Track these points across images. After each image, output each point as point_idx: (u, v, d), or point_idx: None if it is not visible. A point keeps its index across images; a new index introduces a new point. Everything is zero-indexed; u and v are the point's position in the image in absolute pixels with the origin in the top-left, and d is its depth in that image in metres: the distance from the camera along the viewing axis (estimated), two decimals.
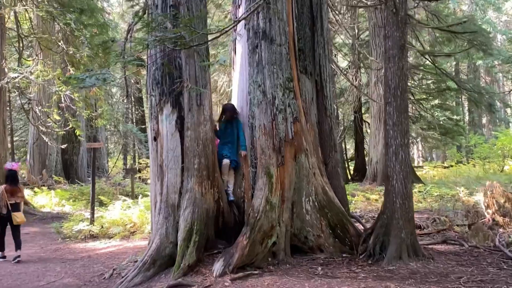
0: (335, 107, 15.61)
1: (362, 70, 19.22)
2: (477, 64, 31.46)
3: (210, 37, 5.82)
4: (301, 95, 6.69)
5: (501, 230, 7.24)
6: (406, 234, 5.64)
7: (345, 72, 17.05)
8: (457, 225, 8.36)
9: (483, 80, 35.69)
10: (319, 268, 5.49)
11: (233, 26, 5.72)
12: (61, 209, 13.14)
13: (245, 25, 6.33)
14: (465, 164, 24.92)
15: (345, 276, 5.13)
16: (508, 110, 38.99)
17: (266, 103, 6.11)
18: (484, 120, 36.01)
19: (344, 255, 6.11)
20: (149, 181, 16.17)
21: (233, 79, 6.98)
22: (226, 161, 6.21)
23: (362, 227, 7.27)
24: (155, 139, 5.90)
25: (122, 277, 5.56)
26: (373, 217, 10.11)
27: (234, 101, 6.65)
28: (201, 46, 5.08)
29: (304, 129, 6.42)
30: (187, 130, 5.74)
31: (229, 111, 6.46)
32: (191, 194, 5.62)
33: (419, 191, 14.07)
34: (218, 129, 6.50)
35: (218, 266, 5.19)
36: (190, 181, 5.67)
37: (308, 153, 6.33)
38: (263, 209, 5.75)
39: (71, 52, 12.81)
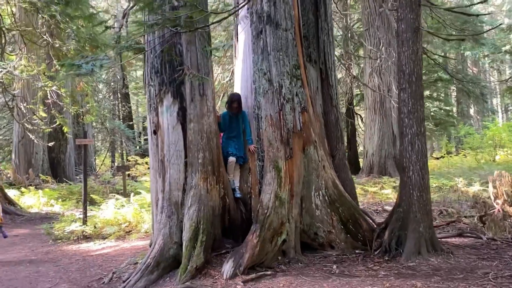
0: None
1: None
2: (465, 54, 31.57)
3: (212, 22, 5.38)
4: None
5: None
6: (424, 228, 5.35)
7: (339, 63, 16.73)
8: (465, 217, 8.14)
9: (470, 71, 35.84)
10: (334, 266, 5.16)
11: (239, 9, 5.32)
12: (50, 209, 12.61)
13: (248, 9, 5.94)
14: (456, 155, 24.94)
15: (364, 274, 4.81)
16: (494, 100, 39.31)
17: (272, 92, 5.74)
18: (472, 111, 36.18)
19: (357, 251, 5.80)
20: (139, 179, 15.81)
21: (235, 68, 6.59)
22: (232, 159, 5.87)
23: (371, 222, 6.96)
24: (155, 132, 5.49)
25: (123, 281, 5.15)
26: (376, 210, 9.86)
27: (237, 91, 6.27)
28: (205, 27, 4.67)
29: (312, 119, 6.08)
30: (190, 122, 5.34)
31: (238, 102, 6.04)
32: (196, 191, 5.23)
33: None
34: (220, 121, 6.10)
35: (228, 268, 4.83)
36: (194, 177, 5.28)
37: (316, 145, 5.99)
38: (273, 205, 5.39)
39: (57, 45, 12.24)
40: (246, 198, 5.85)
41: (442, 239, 6.20)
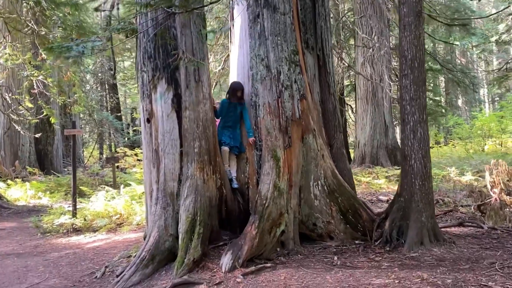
0: None
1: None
2: (453, 45, 31.65)
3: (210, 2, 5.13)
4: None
5: None
6: (427, 217, 5.22)
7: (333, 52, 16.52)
8: (462, 206, 8.08)
9: (459, 62, 36.00)
10: (335, 258, 5.03)
11: None
12: (38, 201, 12.29)
13: None
14: (445, 145, 25.02)
15: (367, 265, 4.67)
16: (481, 91, 39.56)
17: (270, 78, 5.54)
18: (460, 102, 36.38)
19: (357, 242, 5.67)
20: (129, 170, 15.52)
21: (231, 54, 6.35)
22: (225, 149, 5.69)
23: (371, 212, 6.83)
24: (148, 120, 5.26)
25: (117, 275, 4.94)
26: (371, 200, 9.76)
27: (233, 78, 6.05)
28: (202, 8, 4.43)
29: (311, 107, 5.90)
30: (185, 110, 5.11)
31: (242, 91, 5.81)
32: (192, 181, 5.02)
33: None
34: (218, 108, 5.88)
35: (226, 260, 4.65)
36: (190, 166, 5.07)
37: (315, 133, 5.82)
38: (271, 196, 5.22)
39: (42, 33, 11.84)
40: (243, 189, 5.67)
41: (443, 229, 6.09)
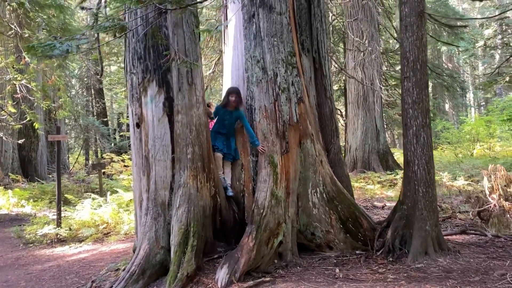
0: None
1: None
2: (441, 50, 31.92)
3: None
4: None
5: None
6: (431, 226, 5.00)
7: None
8: (460, 212, 7.89)
9: (445, 66, 36.27)
10: (337, 270, 4.76)
11: None
12: (21, 210, 11.81)
13: None
14: (434, 150, 24.95)
15: (372, 278, 4.41)
16: (467, 95, 39.89)
17: (266, 81, 5.28)
18: (447, 106, 36.63)
19: (357, 252, 5.41)
20: (115, 177, 15.11)
21: (224, 56, 6.08)
22: (218, 155, 5.42)
23: (372, 220, 6.59)
24: (138, 125, 4.94)
25: None
26: (366, 207, 9.54)
27: (227, 80, 5.77)
28: (196, 4, 4.16)
29: (308, 110, 5.65)
30: (178, 114, 4.81)
31: (237, 94, 5.46)
32: (185, 190, 4.72)
33: (402, 178, 13.68)
34: (212, 111, 5.59)
35: (222, 275, 4.34)
36: (183, 174, 4.77)
37: (313, 138, 5.57)
38: (269, 204, 4.95)
39: (26, 35, 11.45)
40: (238, 197, 5.39)
41: (446, 237, 5.89)
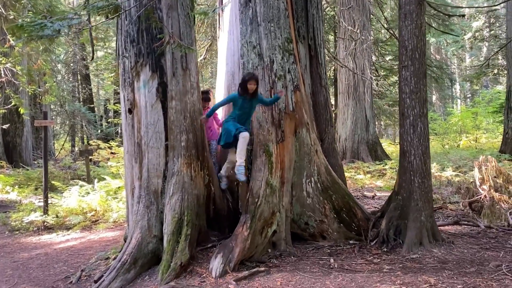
0: None
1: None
2: (429, 42, 32.01)
3: None
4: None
5: (503, 206, 6.79)
6: (426, 216, 4.98)
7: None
8: (450, 203, 7.93)
9: (434, 58, 36.47)
10: (331, 260, 4.72)
11: None
12: (6, 197, 11.56)
13: None
14: None
15: (367, 268, 4.38)
16: (454, 87, 40.24)
17: (263, 68, 5.17)
18: (434, 98, 36.89)
19: (351, 242, 5.38)
20: (102, 164, 14.87)
21: (219, 41, 5.93)
22: (246, 134, 4.79)
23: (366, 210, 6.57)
24: (130, 111, 4.80)
25: (95, 281, 4.48)
26: (356, 196, 9.52)
27: (222, 66, 5.64)
28: None
29: (304, 99, 5.55)
30: (171, 100, 4.68)
31: (256, 81, 4.78)
32: (179, 178, 4.61)
33: (391, 168, 13.75)
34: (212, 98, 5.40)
35: (216, 264, 4.27)
36: (176, 162, 4.65)
37: (309, 127, 5.48)
38: (264, 193, 4.86)
39: (11, 17, 11.11)
40: (232, 186, 5.29)
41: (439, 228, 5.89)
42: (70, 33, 3.44)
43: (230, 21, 5.48)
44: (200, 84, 5.34)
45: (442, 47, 36.49)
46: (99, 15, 3.84)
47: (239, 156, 4.82)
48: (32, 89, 12.67)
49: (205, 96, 5.60)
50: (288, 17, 5.34)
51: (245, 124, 4.99)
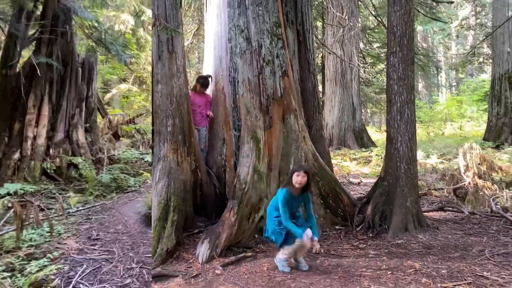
0: None
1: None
2: (416, 30, 32.06)
3: None
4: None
5: (486, 192, 6.89)
6: (411, 202, 5.02)
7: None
8: (435, 189, 8.02)
9: (420, 46, 36.56)
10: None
11: None
12: None
13: None
14: None
15: (353, 254, 4.41)
16: (439, 76, 40.56)
17: (250, 52, 5.10)
18: (420, 86, 37.13)
19: (337, 227, 5.41)
20: None
21: (206, 24, 5.84)
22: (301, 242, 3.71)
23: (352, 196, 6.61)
24: None
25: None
26: (343, 182, 9.58)
27: (209, 51, 5.55)
28: None
29: (292, 85, 5.51)
30: (157, 84, 4.60)
31: (308, 175, 3.76)
32: (165, 164, 4.56)
33: (377, 155, 13.85)
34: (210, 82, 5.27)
35: (203, 250, 4.25)
36: (162, 147, 4.60)
37: (297, 113, 5.45)
38: (251, 179, 4.84)
39: None
40: (220, 172, 5.26)
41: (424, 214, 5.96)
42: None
43: (218, 3, 5.39)
44: (187, 70, 5.26)
45: (429, 35, 36.58)
46: None
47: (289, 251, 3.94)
48: None
49: (204, 81, 5.50)
50: (276, 1, 5.27)
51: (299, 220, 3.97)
